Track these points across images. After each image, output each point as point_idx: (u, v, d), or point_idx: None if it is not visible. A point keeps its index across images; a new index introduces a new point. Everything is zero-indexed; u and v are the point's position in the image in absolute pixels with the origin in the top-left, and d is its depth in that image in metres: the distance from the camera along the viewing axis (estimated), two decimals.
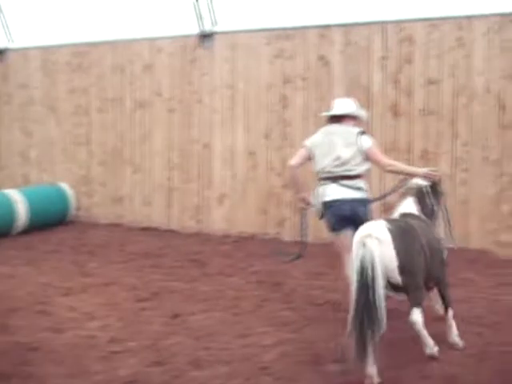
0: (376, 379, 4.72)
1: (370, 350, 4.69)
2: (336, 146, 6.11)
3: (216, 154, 10.78)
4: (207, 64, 10.81)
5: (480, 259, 8.56)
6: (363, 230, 5.07)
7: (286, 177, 9.27)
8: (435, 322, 5.52)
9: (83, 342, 5.71)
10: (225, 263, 8.73)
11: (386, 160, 6.20)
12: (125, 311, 6.62)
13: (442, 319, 5.53)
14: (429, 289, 5.52)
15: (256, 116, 10.44)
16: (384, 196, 6.91)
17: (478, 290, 7.19)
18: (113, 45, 11.65)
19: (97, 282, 7.76)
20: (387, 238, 5.00)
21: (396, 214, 5.73)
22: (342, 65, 9.81)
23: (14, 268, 8.39)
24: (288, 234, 9.93)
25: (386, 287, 4.93)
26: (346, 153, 6.08)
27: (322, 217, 6.26)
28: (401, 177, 6.32)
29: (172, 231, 10.96)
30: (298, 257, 6.69)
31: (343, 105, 6.42)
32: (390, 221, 5.33)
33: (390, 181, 7.68)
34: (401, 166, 6.33)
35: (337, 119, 6.33)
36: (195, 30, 10.79)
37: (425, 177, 5.88)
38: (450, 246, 5.91)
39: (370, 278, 4.75)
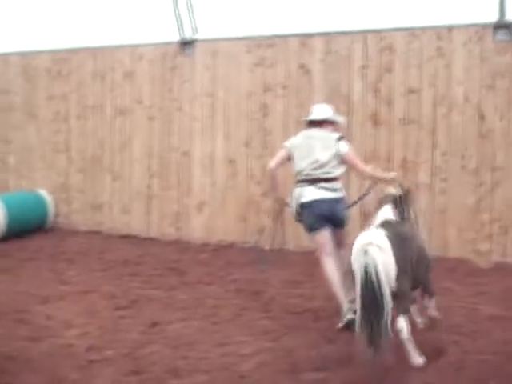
0: None
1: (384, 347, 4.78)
2: (315, 149, 6.34)
3: (196, 162, 10.75)
4: (188, 71, 10.79)
5: (459, 268, 8.59)
6: (363, 237, 5.12)
7: (267, 181, 9.21)
8: (421, 332, 5.57)
9: (61, 350, 5.65)
10: (204, 271, 8.70)
11: (362, 165, 6.49)
12: (103, 319, 6.56)
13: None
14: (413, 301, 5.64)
15: (236, 124, 10.43)
16: (355, 202, 7.18)
17: (457, 298, 7.21)
18: (93, 51, 11.59)
19: (75, 289, 7.69)
20: (387, 245, 5.05)
21: (378, 221, 5.77)
22: (322, 73, 9.83)
23: None
24: (267, 243, 9.88)
25: None
26: (323, 156, 6.30)
27: (298, 218, 6.40)
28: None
29: (151, 239, 10.91)
30: (268, 262, 6.79)
31: (322, 110, 6.69)
32: (387, 228, 5.36)
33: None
34: (373, 171, 6.55)
35: (316, 124, 6.57)
36: (176, 38, 10.79)
37: (392, 182, 6.17)
38: None
39: (375, 285, 4.79)
